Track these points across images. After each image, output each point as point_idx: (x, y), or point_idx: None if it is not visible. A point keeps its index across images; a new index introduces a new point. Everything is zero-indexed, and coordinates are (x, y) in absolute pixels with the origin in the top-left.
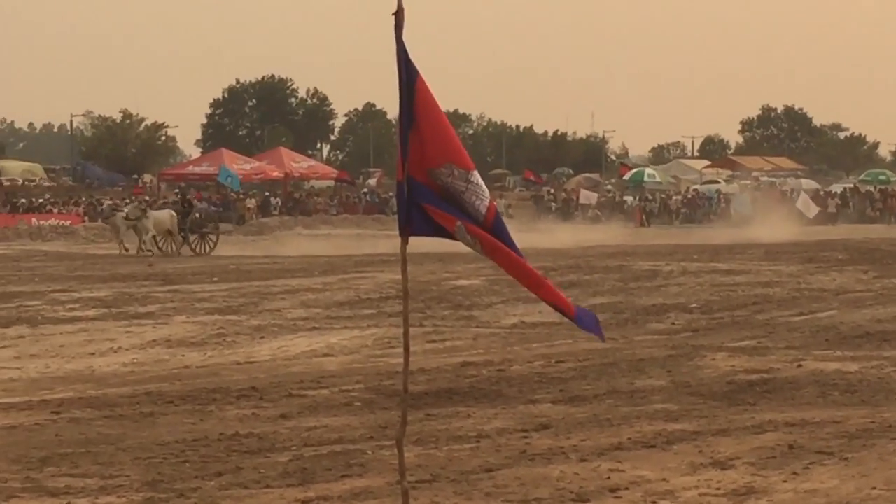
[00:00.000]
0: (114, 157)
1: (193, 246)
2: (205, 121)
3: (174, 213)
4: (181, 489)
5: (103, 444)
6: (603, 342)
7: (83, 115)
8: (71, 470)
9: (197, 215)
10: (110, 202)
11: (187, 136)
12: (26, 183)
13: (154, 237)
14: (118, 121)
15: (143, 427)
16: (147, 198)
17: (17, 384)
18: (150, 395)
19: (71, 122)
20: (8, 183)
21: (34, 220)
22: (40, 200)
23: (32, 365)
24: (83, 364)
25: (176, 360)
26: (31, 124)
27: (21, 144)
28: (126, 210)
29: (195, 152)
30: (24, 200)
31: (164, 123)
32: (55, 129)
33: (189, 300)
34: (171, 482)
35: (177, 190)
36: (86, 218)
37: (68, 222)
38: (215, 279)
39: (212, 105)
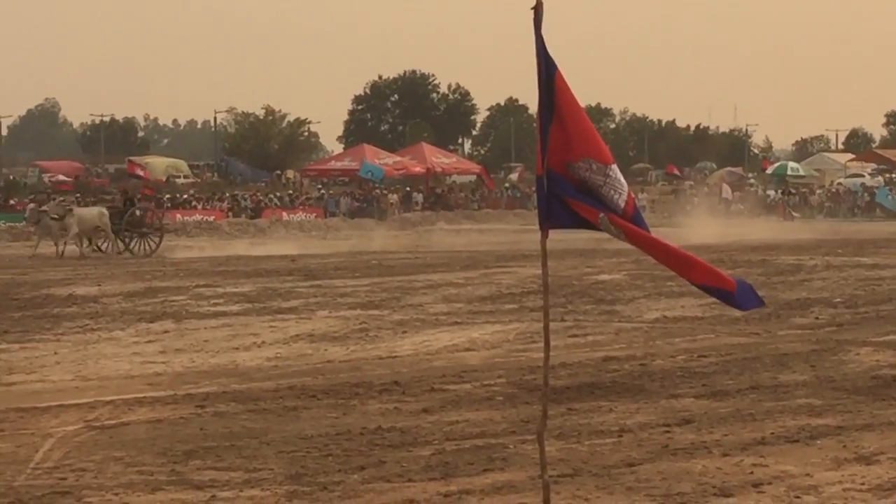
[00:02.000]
0: (256, 153)
1: (131, 245)
2: (347, 117)
3: (104, 211)
4: (324, 482)
5: (247, 438)
6: (764, 306)
7: (226, 111)
8: (216, 463)
9: (137, 213)
10: (33, 205)
11: (329, 131)
12: (170, 179)
13: (86, 235)
14: (261, 117)
15: (287, 421)
16: (77, 195)
17: (163, 378)
18: (294, 390)
19: (214, 118)
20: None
21: (178, 216)
22: (184, 196)
23: (177, 359)
24: (227, 358)
25: (319, 355)
26: (175, 121)
27: (165, 141)
28: (47, 208)
29: (337, 148)
30: (168, 196)
31: (306, 119)
32: (199, 126)
33: (331, 295)
34: (314, 476)
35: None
36: (229, 214)
37: (212, 218)
38: (357, 274)
39: (354, 101)
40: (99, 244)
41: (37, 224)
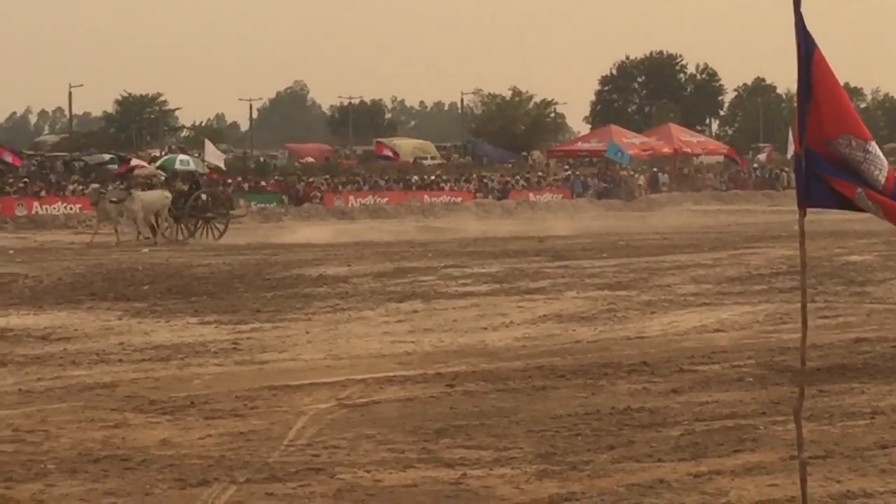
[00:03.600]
0: (503, 134)
1: (197, 232)
2: (593, 97)
3: (167, 195)
4: (574, 462)
5: (497, 417)
6: None
7: (473, 92)
8: (466, 442)
9: (204, 197)
10: (96, 185)
11: (576, 112)
12: (418, 160)
13: (149, 221)
14: (508, 98)
15: (536, 400)
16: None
17: (413, 357)
18: (542, 370)
19: (461, 99)
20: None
21: (426, 196)
22: (432, 178)
23: (427, 339)
24: (476, 338)
25: (567, 335)
26: (421, 102)
27: (412, 122)
28: (108, 192)
29: (584, 129)
30: (416, 178)
31: (552, 100)
32: (445, 108)
33: (579, 276)
34: (563, 455)
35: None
36: (478, 195)
37: (459, 199)
38: (605, 255)
39: (600, 81)
40: (163, 230)
41: (96, 205)
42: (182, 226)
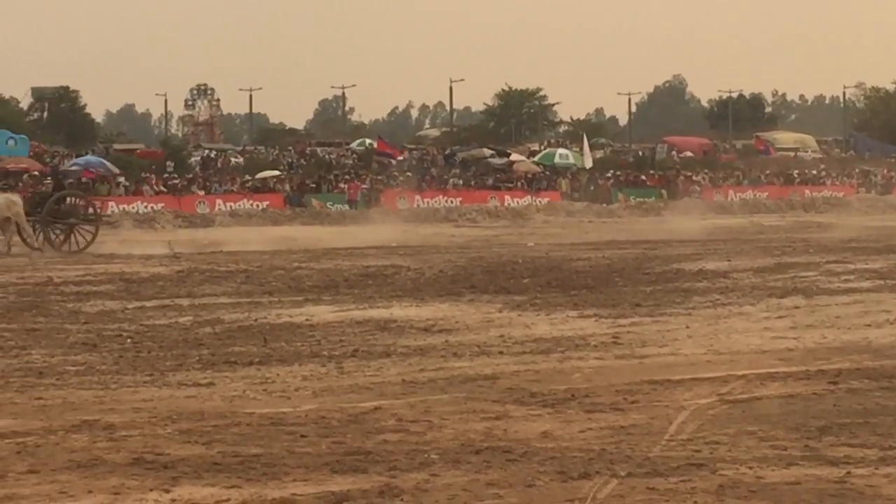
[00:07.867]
0: (887, 128)
1: (55, 239)
2: None
3: (16, 200)
4: None
5: (882, 416)
6: None
7: (856, 86)
8: (849, 440)
9: (70, 200)
10: None
11: None
12: (798, 154)
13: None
14: (892, 91)
15: None
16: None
17: (794, 354)
18: None
19: (843, 93)
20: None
21: (807, 191)
22: (813, 172)
23: (808, 335)
24: (859, 335)
25: None
26: (801, 96)
27: (793, 116)
28: None
29: None
30: (797, 172)
31: None
32: (826, 101)
33: None
34: None
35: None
36: (860, 189)
37: (841, 194)
38: None
39: None
40: (24, 238)
41: None
42: (43, 232)
